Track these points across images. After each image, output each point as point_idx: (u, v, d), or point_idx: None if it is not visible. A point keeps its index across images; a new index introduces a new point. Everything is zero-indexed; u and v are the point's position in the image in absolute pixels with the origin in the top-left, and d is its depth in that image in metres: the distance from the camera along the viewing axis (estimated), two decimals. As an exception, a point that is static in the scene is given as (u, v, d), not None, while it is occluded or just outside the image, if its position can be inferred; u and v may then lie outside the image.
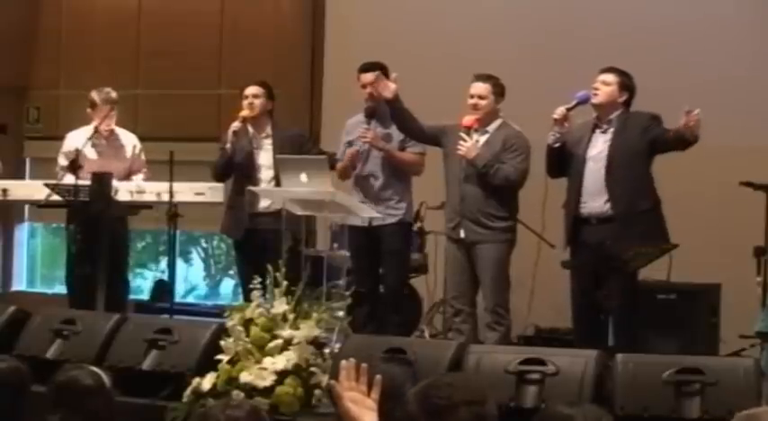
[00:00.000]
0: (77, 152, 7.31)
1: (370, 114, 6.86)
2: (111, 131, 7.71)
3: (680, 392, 4.87)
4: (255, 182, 7.12)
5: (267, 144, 7.25)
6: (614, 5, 8.82)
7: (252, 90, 7.27)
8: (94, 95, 7.66)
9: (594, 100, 6.24)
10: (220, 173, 7.31)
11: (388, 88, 6.56)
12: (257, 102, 7.24)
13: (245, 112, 7.19)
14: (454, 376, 2.95)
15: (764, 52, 8.28)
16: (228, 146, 7.16)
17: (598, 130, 6.28)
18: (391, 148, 6.85)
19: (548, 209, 6.59)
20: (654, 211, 6.22)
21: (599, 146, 6.23)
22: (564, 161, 6.31)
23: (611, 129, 6.23)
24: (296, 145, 7.16)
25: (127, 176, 7.61)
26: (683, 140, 5.99)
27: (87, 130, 7.64)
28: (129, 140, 7.81)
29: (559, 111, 6.22)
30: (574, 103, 6.27)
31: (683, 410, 4.85)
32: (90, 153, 7.60)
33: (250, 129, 7.27)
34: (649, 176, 6.23)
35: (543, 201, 6.49)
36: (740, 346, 7.03)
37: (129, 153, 7.76)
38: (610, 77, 6.26)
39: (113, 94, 7.68)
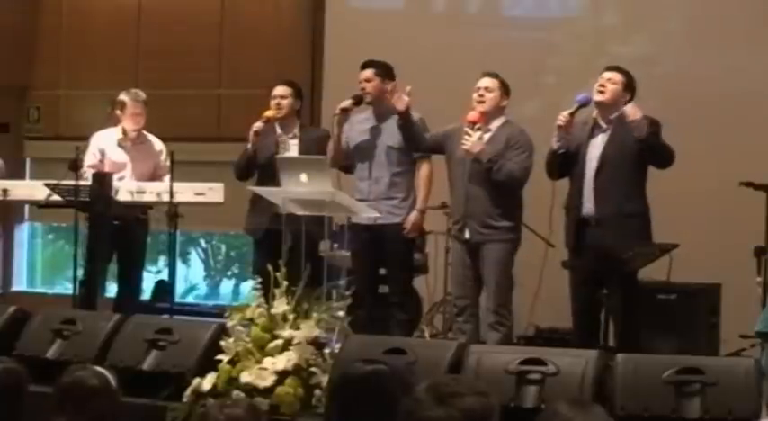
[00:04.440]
0: (79, 153, 7.29)
1: (358, 100, 6.87)
2: (139, 133, 7.66)
3: (680, 392, 4.87)
4: (278, 182, 7.05)
5: (294, 144, 7.21)
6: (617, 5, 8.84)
7: (280, 90, 7.22)
8: (124, 96, 7.60)
9: (600, 98, 6.16)
10: (240, 172, 7.28)
11: (402, 101, 6.55)
12: (285, 102, 7.19)
13: (270, 112, 7.14)
14: (458, 376, 2.95)
15: (765, 51, 8.28)
16: (249, 146, 7.14)
17: (598, 131, 6.24)
18: (416, 220, 6.88)
19: (555, 210, 6.57)
20: (640, 217, 6.17)
21: (598, 147, 6.20)
22: (566, 164, 6.28)
23: (610, 130, 6.20)
24: (323, 145, 7.12)
25: (151, 180, 7.54)
26: (647, 146, 5.97)
27: (114, 132, 7.62)
28: (157, 144, 7.74)
29: (563, 118, 6.16)
30: (575, 106, 6.22)
31: (684, 410, 4.84)
32: (116, 155, 7.58)
33: (278, 129, 7.24)
34: (640, 181, 6.18)
35: (551, 203, 6.41)
36: (740, 346, 7.02)
37: (155, 157, 7.69)
38: (617, 76, 6.20)
39: (142, 94, 7.64)
